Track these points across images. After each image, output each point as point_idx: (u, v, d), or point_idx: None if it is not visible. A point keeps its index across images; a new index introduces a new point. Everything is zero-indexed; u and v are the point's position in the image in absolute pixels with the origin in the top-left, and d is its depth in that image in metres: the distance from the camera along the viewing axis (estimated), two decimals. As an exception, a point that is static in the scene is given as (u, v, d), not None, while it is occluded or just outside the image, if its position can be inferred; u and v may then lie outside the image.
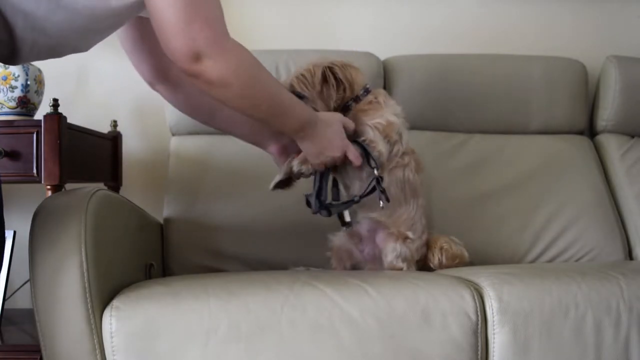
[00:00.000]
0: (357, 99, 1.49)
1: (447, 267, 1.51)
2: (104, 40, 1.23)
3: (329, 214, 1.42)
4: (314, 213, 1.42)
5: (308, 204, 1.42)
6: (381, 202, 1.40)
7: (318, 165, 1.40)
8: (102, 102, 2.03)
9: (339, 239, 1.56)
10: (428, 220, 1.58)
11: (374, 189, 1.40)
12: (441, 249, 1.52)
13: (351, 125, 1.43)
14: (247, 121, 1.48)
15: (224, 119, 1.49)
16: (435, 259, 1.52)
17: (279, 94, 1.29)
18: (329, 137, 1.38)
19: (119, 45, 1.39)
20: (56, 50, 1.19)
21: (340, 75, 1.46)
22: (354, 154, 1.41)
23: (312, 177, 1.43)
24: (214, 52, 1.11)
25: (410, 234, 1.47)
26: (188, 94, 1.45)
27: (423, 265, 1.54)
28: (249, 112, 1.28)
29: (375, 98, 1.50)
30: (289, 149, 1.46)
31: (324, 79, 1.45)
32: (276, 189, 1.49)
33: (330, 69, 1.46)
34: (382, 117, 1.46)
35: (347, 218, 1.46)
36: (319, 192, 1.41)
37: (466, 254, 1.56)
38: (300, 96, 1.43)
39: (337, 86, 1.46)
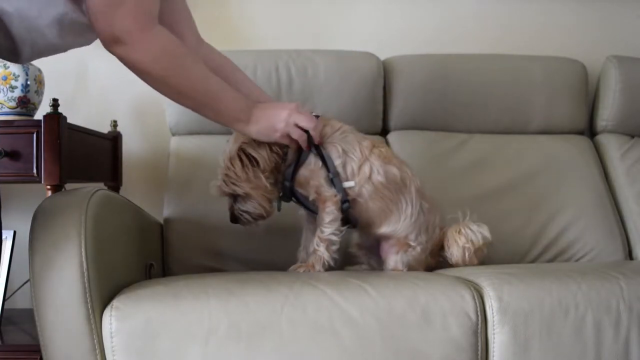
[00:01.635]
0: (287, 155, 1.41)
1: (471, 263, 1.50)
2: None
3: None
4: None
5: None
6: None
7: (283, 139, 1.35)
8: (102, 102, 2.03)
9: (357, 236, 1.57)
10: (431, 202, 1.52)
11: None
12: (464, 248, 1.49)
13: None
14: None
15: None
16: (458, 257, 1.49)
17: (206, 84, 1.28)
18: (273, 110, 1.35)
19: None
20: (58, 48, 1.19)
21: (250, 151, 1.37)
22: (305, 116, 1.35)
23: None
24: (131, 40, 1.13)
25: (411, 242, 1.45)
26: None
27: (439, 250, 1.53)
28: (175, 100, 1.30)
29: None
30: None
31: (243, 164, 1.37)
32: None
33: (242, 150, 1.37)
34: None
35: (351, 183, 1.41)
36: None
37: (488, 235, 1.51)
38: (235, 196, 1.40)
39: (254, 162, 1.38)
